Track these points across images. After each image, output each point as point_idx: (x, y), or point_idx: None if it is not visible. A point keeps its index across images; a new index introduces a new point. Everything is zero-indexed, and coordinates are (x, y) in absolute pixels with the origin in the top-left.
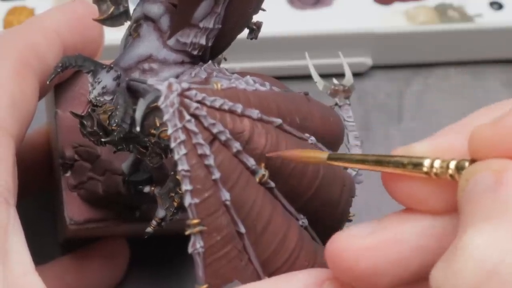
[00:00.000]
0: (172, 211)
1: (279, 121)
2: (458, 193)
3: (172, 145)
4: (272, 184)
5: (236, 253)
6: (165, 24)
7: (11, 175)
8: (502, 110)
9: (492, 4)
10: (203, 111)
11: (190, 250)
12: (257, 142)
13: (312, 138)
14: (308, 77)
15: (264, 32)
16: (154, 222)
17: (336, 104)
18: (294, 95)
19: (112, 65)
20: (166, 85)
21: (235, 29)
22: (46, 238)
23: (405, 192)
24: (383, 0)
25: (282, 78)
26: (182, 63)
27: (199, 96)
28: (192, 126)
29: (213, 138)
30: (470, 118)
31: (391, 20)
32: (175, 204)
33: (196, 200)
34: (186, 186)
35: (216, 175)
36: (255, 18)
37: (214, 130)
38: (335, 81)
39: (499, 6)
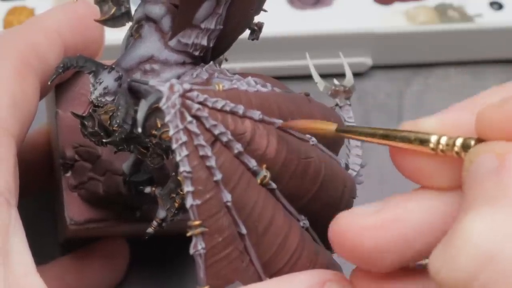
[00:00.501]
0: (173, 212)
1: (280, 122)
2: (463, 173)
3: (174, 146)
4: (274, 185)
5: (238, 254)
6: (167, 25)
7: (12, 176)
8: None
9: (492, 4)
10: (204, 113)
11: (191, 251)
12: (259, 143)
13: (313, 139)
14: (308, 77)
15: (264, 32)
16: (154, 223)
17: (337, 104)
18: (295, 96)
19: (113, 66)
20: (168, 86)
21: (236, 30)
22: (47, 238)
23: (412, 167)
24: (383, 0)
25: (282, 78)
26: (183, 64)
27: (201, 97)
28: (193, 127)
29: (215, 140)
30: (479, 96)
31: (391, 20)
32: (176, 205)
33: (198, 202)
34: (187, 187)
35: (218, 176)
36: (256, 18)
37: (216, 132)
38: (335, 81)
39: (499, 6)
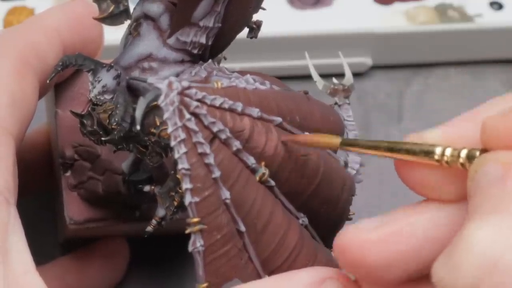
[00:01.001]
0: (172, 210)
1: (279, 119)
2: (468, 182)
3: (172, 143)
4: (272, 183)
5: (236, 252)
6: (165, 23)
7: (11, 174)
8: None
9: (492, 4)
10: (203, 110)
11: (190, 248)
12: (257, 141)
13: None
14: (308, 77)
15: (264, 32)
16: (154, 222)
17: (336, 103)
18: (294, 94)
19: (112, 64)
20: (166, 83)
21: (235, 28)
22: (46, 238)
23: (417, 179)
24: (383, 0)
25: (282, 78)
26: (182, 62)
27: (199, 95)
28: (192, 124)
29: (213, 137)
30: (482, 107)
31: (391, 20)
32: (175, 203)
33: (196, 199)
34: (186, 184)
35: (216, 173)
36: (255, 17)
37: (214, 129)
38: (334, 80)
39: (499, 6)
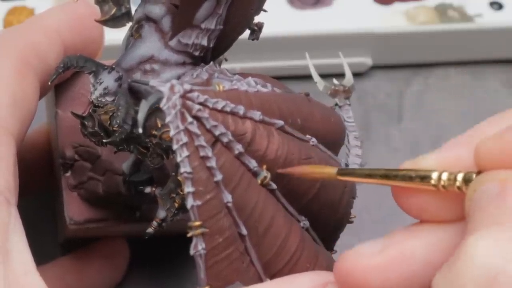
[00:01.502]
0: (173, 212)
1: (281, 122)
2: (466, 202)
3: (175, 147)
4: (274, 186)
5: (238, 255)
6: (167, 25)
7: (12, 175)
8: (506, 121)
9: (492, 4)
10: (205, 113)
11: (192, 252)
12: (259, 144)
13: (314, 139)
14: (308, 77)
15: (264, 32)
16: (154, 223)
17: (336, 104)
18: (295, 96)
19: (113, 66)
20: (168, 86)
21: (236, 30)
22: (46, 238)
23: (415, 205)
24: (383, 0)
25: (282, 78)
26: (183, 64)
27: (201, 98)
28: (194, 128)
29: (215, 140)
30: (475, 130)
31: (391, 20)
32: (176, 205)
33: (198, 202)
34: (188, 188)
35: (218, 177)
36: (256, 18)
37: (216, 132)
38: (335, 81)
39: (499, 6)
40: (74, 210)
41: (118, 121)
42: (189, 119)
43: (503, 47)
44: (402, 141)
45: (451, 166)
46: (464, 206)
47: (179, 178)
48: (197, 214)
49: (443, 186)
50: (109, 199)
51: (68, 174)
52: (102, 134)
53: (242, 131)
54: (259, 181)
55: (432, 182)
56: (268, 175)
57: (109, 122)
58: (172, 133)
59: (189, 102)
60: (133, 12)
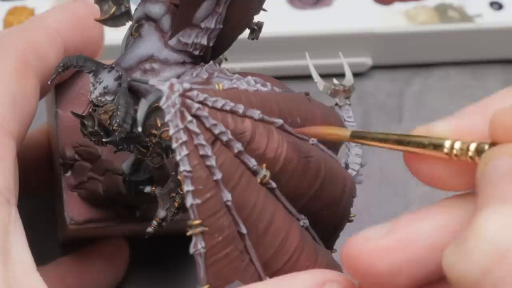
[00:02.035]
0: (173, 212)
1: (280, 121)
2: (477, 176)
3: (174, 146)
4: (274, 185)
5: (238, 254)
6: (167, 24)
7: (12, 175)
8: None
9: (492, 4)
10: (204, 112)
11: (191, 250)
12: (259, 143)
13: (313, 138)
14: (308, 77)
15: (264, 32)
16: (154, 222)
17: (337, 104)
18: (295, 96)
19: (113, 65)
20: (168, 85)
21: (236, 29)
22: (46, 238)
23: (427, 171)
24: (383, 0)
25: (282, 78)
26: (183, 63)
27: (201, 97)
28: (193, 127)
29: (215, 139)
30: (491, 99)
31: (391, 20)
32: (176, 204)
33: (198, 201)
34: (187, 187)
35: (218, 175)
36: (256, 18)
37: (216, 131)
38: (335, 81)
39: (499, 6)
40: (74, 210)
41: (118, 121)
42: (189, 117)
43: (503, 47)
44: None
45: (464, 134)
46: (475, 178)
47: (179, 177)
48: (197, 213)
49: (456, 155)
50: (109, 199)
51: (68, 174)
52: (102, 133)
53: (241, 130)
54: (258, 180)
55: (445, 150)
56: (268, 174)
57: (109, 121)
58: (171, 131)
59: (188, 101)
60: (132, 11)
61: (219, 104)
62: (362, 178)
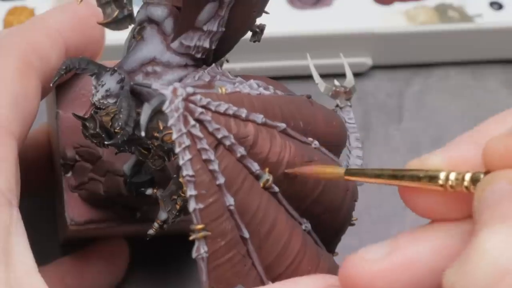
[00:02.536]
0: (174, 214)
1: (283, 125)
2: (474, 203)
3: (177, 150)
4: (276, 189)
5: (240, 258)
6: (169, 27)
7: (13, 175)
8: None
9: (492, 4)
10: (207, 116)
11: (194, 255)
12: (262, 147)
13: (316, 142)
14: (308, 77)
15: (264, 32)
16: (156, 225)
17: (337, 105)
18: (297, 99)
19: (115, 68)
20: (171, 89)
21: (238, 32)
22: (47, 238)
23: (423, 204)
24: (383, 0)
25: (282, 78)
26: (185, 66)
27: (204, 101)
28: (196, 131)
29: (218, 143)
30: (481, 127)
31: (391, 20)
32: (177, 207)
33: (201, 205)
34: (190, 191)
35: (221, 180)
36: (257, 20)
37: (219, 135)
38: (336, 82)
39: (499, 6)
40: (75, 210)
41: (120, 123)
42: (192, 122)
43: (503, 47)
44: (402, 141)
45: (457, 164)
46: (472, 206)
47: (180, 180)
48: (200, 217)
49: (451, 186)
50: (110, 200)
51: (69, 174)
52: (103, 135)
53: (244, 134)
54: (261, 184)
55: (440, 182)
56: (270, 178)
57: (110, 124)
58: (174, 136)
59: (191, 105)
60: (135, 13)
61: (222, 108)
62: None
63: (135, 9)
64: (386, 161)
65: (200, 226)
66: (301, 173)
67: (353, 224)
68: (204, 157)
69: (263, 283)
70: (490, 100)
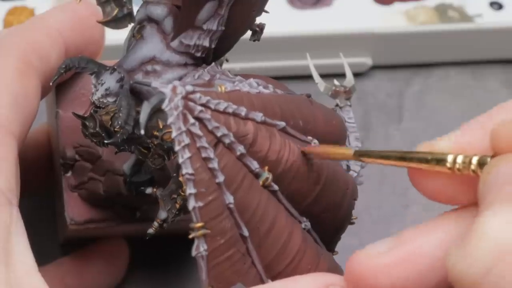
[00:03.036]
0: (174, 213)
1: (282, 124)
2: (479, 186)
3: (176, 148)
4: (276, 187)
5: (240, 256)
6: (169, 26)
7: (13, 175)
8: None
9: (492, 4)
10: (207, 114)
11: (193, 253)
12: (261, 145)
13: (315, 141)
14: (308, 77)
15: (264, 32)
16: (155, 224)
17: (337, 105)
18: (297, 98)
19: (115, 67)
20: (171, 88)
21: (238, 31)
22: (47, 238)
23: (430, 187)
24: (383, 0)
25: (282, 78)
26: (185, 65)
27: (203, 99)
28: (196, 129)
29: (217, 141)
30: (490, 113)
31: (391, 20)
32: (177, 205)
33: (200, 204)
34: (190, 189)
35: (220, 178)
36: (257, 19)
37: (218, 133)
38: (336, 82)
39: (499, 6)
40: (75, 210)
41: (119, 122)
42: (191, 120)
43: (503, 47)
44: (402, 141)
45: (466, 149)
46: (478, 189)
47: (180, 179)
48: (199, 216)
49: (458, 169)
50: (110, 199)
51: (69, 174)
52: (103, 134)
53: (244, 133)
54: (260, 183)
55: (448, 165)
56: (270, 177)
57: (110, 123)
58: (174, 134)
59: (191, 103)
60: (134, 12)
61: (221, 107)
62: (362, 179)
63: (135, 8)
64: None
65: (199, 224)
66: (313, 152)
67: (353, 223)
68: (203, 155)
69: (262, 282)
70: (490, 100)
